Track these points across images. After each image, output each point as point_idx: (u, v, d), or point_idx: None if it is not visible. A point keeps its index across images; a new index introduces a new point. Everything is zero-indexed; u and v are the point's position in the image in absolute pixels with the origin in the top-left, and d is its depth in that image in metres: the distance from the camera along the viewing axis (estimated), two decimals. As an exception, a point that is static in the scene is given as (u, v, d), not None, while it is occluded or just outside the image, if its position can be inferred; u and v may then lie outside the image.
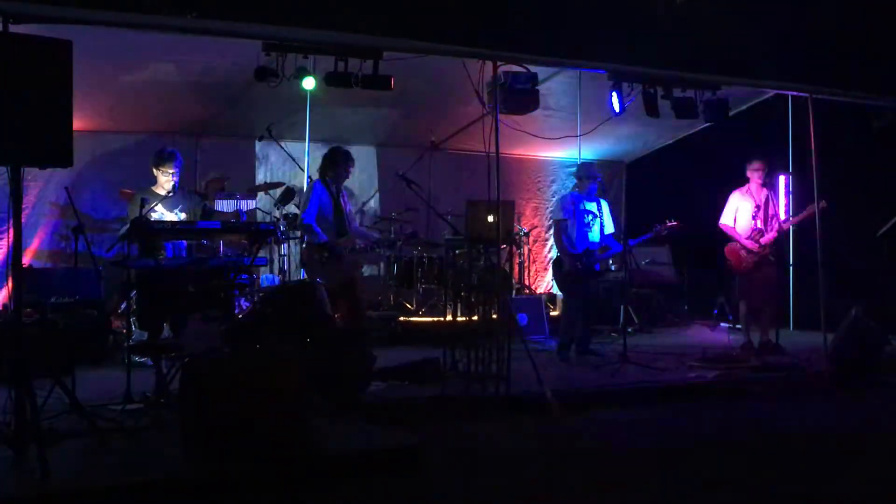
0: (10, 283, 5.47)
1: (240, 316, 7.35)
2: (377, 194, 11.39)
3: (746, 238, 8.93)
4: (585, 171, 8.86)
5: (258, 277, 9.01)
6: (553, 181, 12.50)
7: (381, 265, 10.67)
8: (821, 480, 5.27)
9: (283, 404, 5.07)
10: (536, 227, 12.25)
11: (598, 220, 8.59)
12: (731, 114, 9.38)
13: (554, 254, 12.18)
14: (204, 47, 7.83)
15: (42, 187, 9.37)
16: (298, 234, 8.87)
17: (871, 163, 10.80)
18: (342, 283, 7.52)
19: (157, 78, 8.51)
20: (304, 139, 9.36)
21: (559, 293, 11.53)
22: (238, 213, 8.84)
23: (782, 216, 8.89)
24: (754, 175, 9.01)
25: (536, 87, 7.93)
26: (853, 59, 11.44)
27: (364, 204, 11.29)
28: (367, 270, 10.73)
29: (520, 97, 7.79)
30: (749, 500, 4.92)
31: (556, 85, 9.30)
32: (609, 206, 8.91)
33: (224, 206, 8.84)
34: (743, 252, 8.96)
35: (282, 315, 6.53)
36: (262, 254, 6.98)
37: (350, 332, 7.47)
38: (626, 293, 10.10)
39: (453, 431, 6.16)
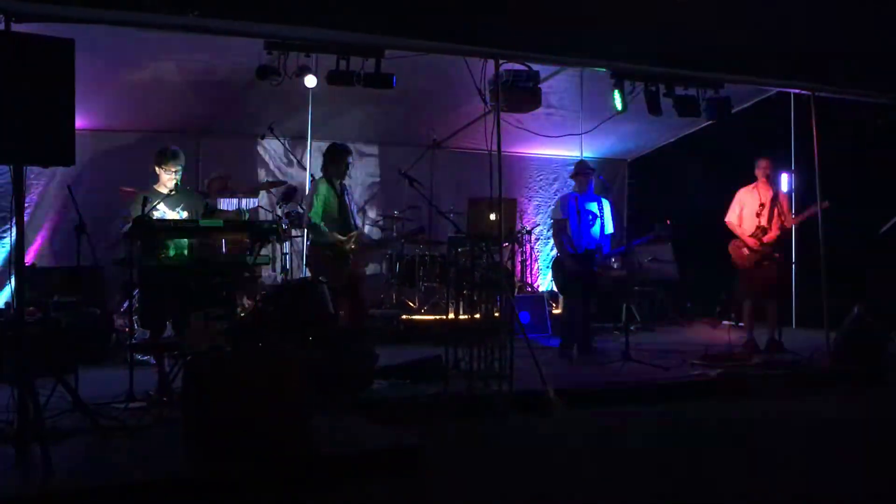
0: (12, 282, 5.46)
1: (242, 315, 7.35)
2: (379, 193, 11.39)
3: (749, 235, 8.92)
4: (581, 167, 8.83)
5: (260, 276, 9.02)
6: (555, 179, 12.50)
7: (384, 264, 10.67)
8: (824, 478, 5.26)
9: (284, 403, 5.07)
10: (538, 225, 12.24)
11: (598, 220, 8.58)
12: (733, 112, 9.36)
13: (556, 252, 12.22)
14: (206, 46, 7.83)
15: (44, 186, 9.38)
16: (301, 232, 8.87)
17: (873, 161, 10.79)
18: (346, 282, 7.51)
19: (159, 77, 8.51)
20: (307, 138, 9.36)
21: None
22: (240, 211, 8.84)
23: (779, 218, 8.86)
24: (760, 173, 9.00)
25: (538, 85, 7.92)
26: (856, 57, 11.42)
27: (366, 202, 11.28)
28: (369, 269, 10.73)
29: (522, 95, 7.78)
30: (752, 498, 4.91)
31: (558, 83, 9.29)
32: (611, 205, 8.88)
33: (226, 204, 8.85)
34: (745, 249, 8.95)
35: (284, 314, 6.53)
36: (264, 252, 6.98)
37: (352, 331, 7.47)
38: (629, 291, 10.10)
39: (455, 430, 6.17)
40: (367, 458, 5.16)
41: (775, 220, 8.85)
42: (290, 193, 9.03)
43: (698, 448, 5.99)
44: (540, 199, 12.45)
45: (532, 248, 11.89)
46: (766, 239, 8.86)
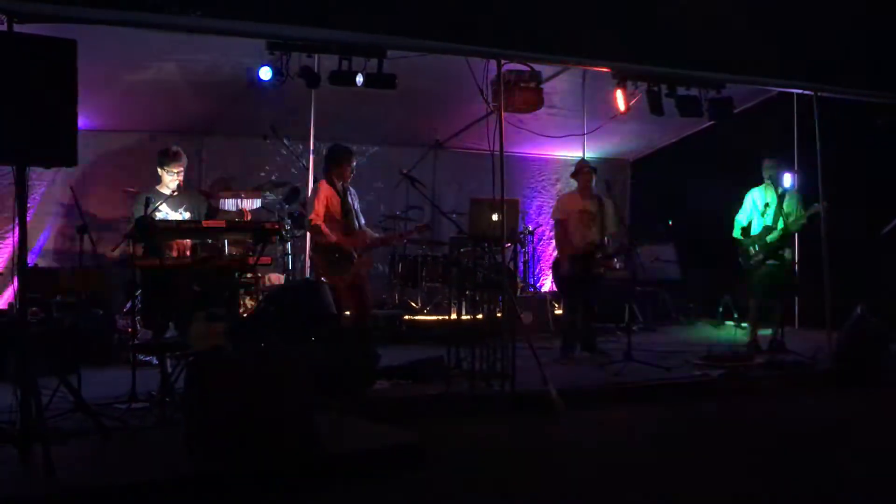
0: (15, 283, 5.47)
1: (244, 315, 7.35)
2: (381, 193, 11.38)
3: (755, 235, 8.91)
4: (581, 165, 8.80)
5: (263, 276, 9.02)
6: (557, 179, 12.49)
7: (386, 265, 10.67)
8: (827, 478, 5.26)
9: (287, 403, 5.08)
10: (541, 225, 12.24)
11: (597, 219, 8.54)
12: (735, 112, 9.36)
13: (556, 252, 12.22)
14: (208, 46, 7.83)
15: (47, 186, 9.38)
16: (304, 233, 8.87)
17: (876, 161, 10.78)
18: (349, 282, 7.51)
19: (162, 77, 8.52)
20: (309, 138, 9.36)
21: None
22: (242, 212, 8.84)
23: (794, 214, 8.85)
24: (765, 173, 9.00)
25: (541, 86, 7.93)
26: (858, 57, 11.43)
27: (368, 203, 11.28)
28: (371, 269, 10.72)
29: (524, 95, 7.80)
30: (754, 498, 4.91)
31: (560, 83, 9.29)
32: (612, 205, 8.84)
33: (228, 205, 8.85)
34: (751, 249, 8.95)
35: (286, 314, 6.53)
36: (267, 253, 6.98)
37: (354, 331, 7.48)
38: (631, 291, 10.08)
39: (457, 430, 6.16)
40: (370, 458, 5.16)
41: (781, 219, 8.83)
42: (292, 194, 9.03)
43: (700, 448, 5.98)
44: (542, 200, 12.44)
45: (534, 249, 11.88)
46: (769, 239, 8.84)
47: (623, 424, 6.62)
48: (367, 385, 6.77)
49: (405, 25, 10.39)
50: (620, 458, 5.69)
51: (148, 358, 7.16)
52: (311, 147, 9.37)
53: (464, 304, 7.57)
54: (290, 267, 9.46)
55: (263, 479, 4.76)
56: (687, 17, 12.84)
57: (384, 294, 10.46)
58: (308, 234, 8.15)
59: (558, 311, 10.72)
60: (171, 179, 7.35)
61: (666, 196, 12.42)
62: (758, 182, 9.09)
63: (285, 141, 9.54)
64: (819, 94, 8.80)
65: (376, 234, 8.87)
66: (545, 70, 8.22)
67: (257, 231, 6.84)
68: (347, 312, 7.65)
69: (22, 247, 5.10)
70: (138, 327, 6.84)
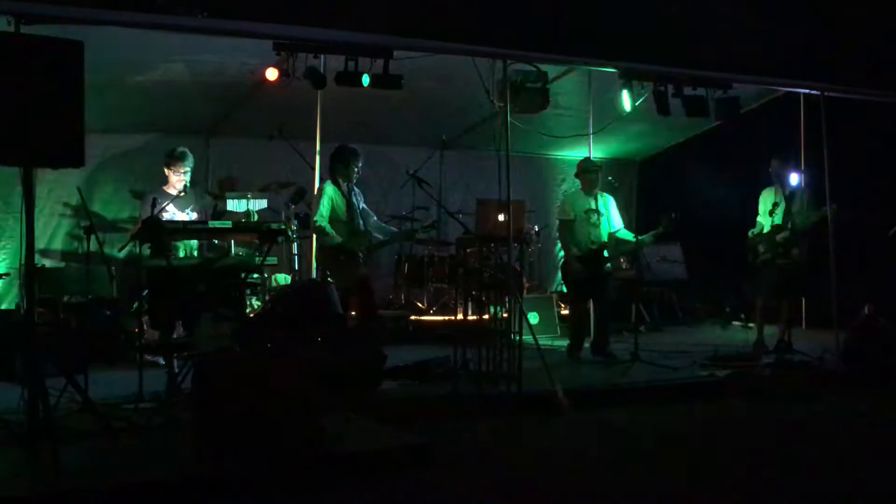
0: (23, 283, 5.49)
1: (251, 315, 7.36)
2: (387, 193, 11.39)
3: (764, 234, 8.90)
4: (585, 164, 8.76)
5: (269, 277, 9.03)
6: (564, 180, 12.47)
7: (392, 264, 10.67)
8: (833, 478, 5.25)
9: (294, 403, 5.09)
10: (547, 225, 12.22)
11: (603, 218, 8.51)
12: (742, 112, 9.34)
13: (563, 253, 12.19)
14: (214, 47, 7.84)
15: (54, 187, 9.39)
16: (309, 233, 8.87)
17: (883, 160, 10.75)
18: (356, 283, 7.52)
19: (168, 78, 8.53)
20: (315, 138, 9.37)
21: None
22: (249, 212, 8.85)
23: (803, 214, 8.83)
24: (773, 173, 8.98)
25: (547, 86, 7.92)
26: (865, 56, 11.39)
27: (374, 204, 11.28)
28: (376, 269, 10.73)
29: (530, 96, 7.77)
30: (761, 498, 4.90)
31: (566, 84, 9.27)
32: (614, 202, 8.82)
33: (235, 205, 8.86)
34: (759, 248, 8.94)
35: (293, 314, 6.53)
36: (273, 253, 6.99)
37: (361, 331, 7.48)
38: (638, 291, 10.07)
39: (464, 430, 6.16)
40: (377, 458, 5.17)
41: (789, 219, 8.81)
42: (299, 194, 9.03)
43: (707, 449, 5.98)
44: (548, 200, 12.42)
45: (540, 249, 11.86)
46: (778, 238, 8.82)
47: (630, 425, 6.61)
48: (374, 385, 6.77)
49: (411, 26, 10.39)
50: (627, 459, 5.69)
51: (155, 358, 7.17)
52: (318, 148, 9.37)
53: (470, 304, 7.57)
54: (297, 267, 9.46)
55: (270, 479, 4.76)
56: (693, 16, 12.83)
57: (391, 294, 10.46)
58: (314, 234, 8.15)
59: (565, 312, 10.71)
60: (177, 180, 7.38)
61: (672, 196, 12.38)
62: (765, 182, 9.07)
63: (291, 142, 9.53)
64: (826, 93, 8.77)
65: (393, 229, 8.86)
66: (551, 70, 8.20)
67: (263, 231, 6.85)
68: (353, 313, 7.65)
69: (29, 247, 5.11)
70: (145, 327, 6.85)
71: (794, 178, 9.09)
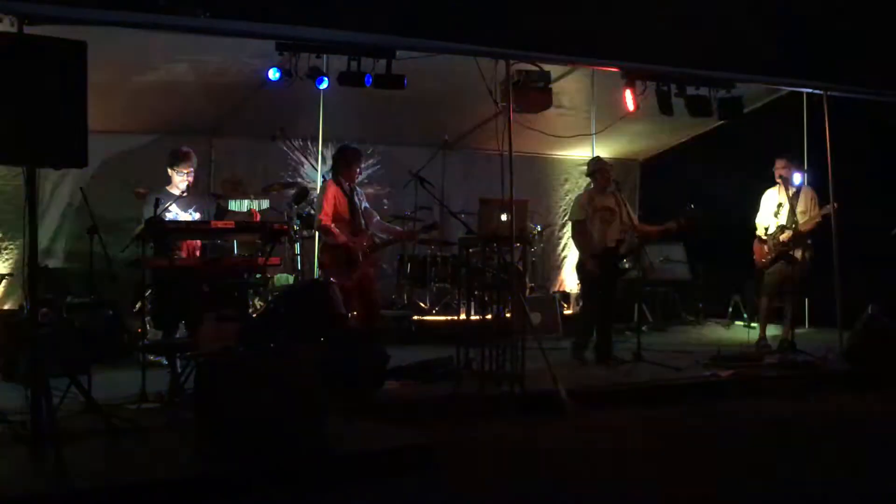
0: (26, 283, 5.49)
1: (254, 315, 7.36)
2: (390, 193, 11.39)
3: (768, 235, 8.89)
4: (597, 164, 8.70)
5: (272, 277, 9.03)
6: (566, 180, 12.47)
7: (395, 264, 10.67)
8: (838, 479, 5.24)
9: (297, 403, 5.08)
10: (550, 225, 12.22)
11: (616, 215, 8.46)
12: (745, 111, 9.34)
13: (567, 252, 12.19)
14: (217, 47, 7.85)
15: (57, 188, 9.41)
16: (313, 233, 8.88)
17: (886, 160, 10.75)
18: (358, 283, 7.52)
19: (171, 78, 8.54)
20: (318, 138, 9.38)
21: (572, 292, 11.53)
22: (251, 212, 8.85)
23: (803, 215, 8.83)
24: (776, 173, 8.97)
25: (549, 86, 7.92)
26: (868, 56, 11.39)
27: (376, 204, 11.28)
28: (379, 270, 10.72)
29: (533, 95, 7.77)
30: (765, 499, 4.90)
31: (569, 83, 9.27)
32: (624, 200, 8.78)
33: (238, 205, 8.87)
34: (764, 248, 8.93)
35: (296, 314, 6.53)
36: (276, 253, 6.99)
37: (364, 331, 7.48)
38: (641, 291, 10.06)
39: (467, 431, 6.16)
40: (380, 459, 5.16)
41: (793, 219, 8.80)
42: (301, 194, 9.04)
43: (710, 449, 5.97)
44: (551, 200, 12.41)
45: (543, 249, 11.86)
46: (782, 238, 8.82)
47: (633, 425, 6.61)
48: (377, 385, 6.77)
49: (414, 26, 10.39)
50: (630, 459, 5.69)
51: (158, 358, 7.18)
52: (320, 147, 9.38)
53: (473, 304, 7.57)
54: (300, 267, 9.46)
55: (273, 480, 4.77)
56: (696, 16, 12.82)
57: (393, 294, 10.46)
58: (317, 234, 8.16)
59: (568, 311, 10.71)
60: (180, 180, 7.38)
61: (676, 196, 12.38)
62: (768, 182, 9.07)
63: (294, 141, 9.55)
64: (829, 92, 8.77)
65: (397, 228, 8.84)
66: (554, 70, 8.20)
67: (266, 232, 6.86)
68: (355, 313, 7.65)
69: (32, 248, 5.12)
70: (148, 328, 6.85)
71: (798, 178, 9.09)
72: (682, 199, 9.05)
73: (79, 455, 4.85)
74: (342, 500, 4.78)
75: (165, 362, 6.74)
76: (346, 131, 9.72)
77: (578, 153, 11.98)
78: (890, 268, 9.76)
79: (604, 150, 11.38)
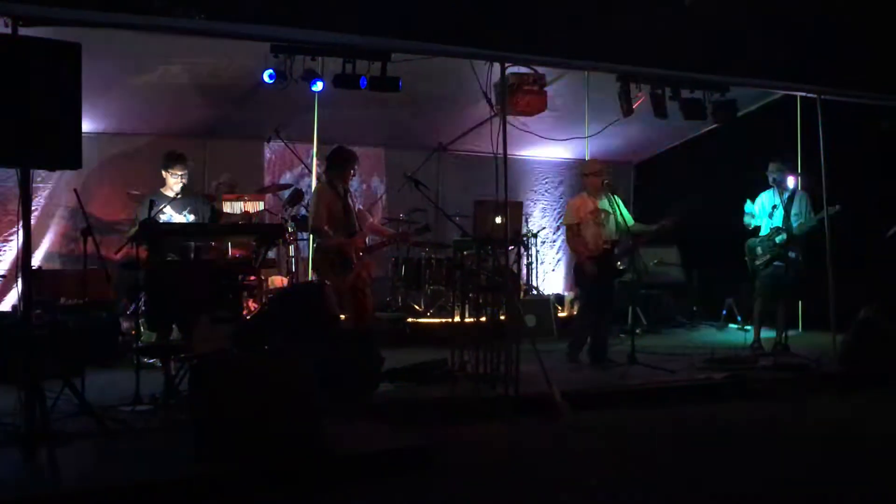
0: (20, 285, 5.48)
1: (248, 317, 7.36)
2: (385, 195, 11.40)
3: (763, 236, 8.91)
4: (591, 167, 8.66)
5: (266, 279, 9.02)
6: (561, 182, 12.49)
7: (390, 266, 10.68)
8: (832, 481, 5.25)
9: (292, 405, 5.08)
10: (544, 228, 12.24)
11: (611, 216, 8.45)
12: (739, 115, 9.36)
13: (562, 255, 12.20)
14: (212, 49, 7.85)
15: (51, 189, 9.40)
16: (307, 235, 8.88)
17: (880, 163, 10.78)
18: (352, 285, 7.52)
19: (166, 80, 8.53)
20: (313, 140, 9.38)
21: (567, 294, 11.54)
22: (246, 214, 8.85)
23: (802, 216, 8.86)
24: (770, 176, 8.99)
25: (544, 89, 7.93)
26: (862, 60, 11.42)
27: (372, 205, 11.29)
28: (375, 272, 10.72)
29: (527, 98, 7.79)
30: (760, 501, 4.91)
31: (563, 86, 9.28)
32: (620, 200, 8.77)
33: (232, 207, 8.86)
34: (757, 250, 8.94)
35: (290, 316, 6.53)
36: (270, 255, 6.99)
37: (358, 334, 7.48)
38: (635, 294, 10.07)
39: (462, 432, 6.16)
40: (375, 460, 5.16)
41: (788, 221, 8.82)
42: (296, 196, 9.04)
43: (705, 451, 5.98)
44: (546, 202, 12.44)
45: (538, 251, 11.88)
46: (777, 240, 8.83)
47: (627, 427, 6.61)
48: (372, 387, 6.77)
49: (409, 28, 10.40)
50: (625, 461, 5.69)
51: (152, 360, 7.17)
52: (315, 150, 9.38)
53: (467, 306, 7.57)
54: (294, 269, 9.46)
55: (268, 481, 4.76)
56: (690, 20, 12.85)
57: (388, 296, 10.46)
58: (311, 236, 8.15)
59: (562, 314, 10.72)
60: (175, 182, 7.37)
61: (670, 199, 12.40)
62: (763, 185, 9.09)
63: (289, 144, 9.54)
64: (823, 96, 8.79)
65: (390, 230, 8.84)
66: (549, 73, 8.21)
67: (261, 234, 6.85)
68: (349, 315, 7.65)
69: (26, 249, 5.11)
70: (142, 330, 6.84)
71: (791, 181, 9.11)
72: (676, 201, 9.09)
73: (72, 457, 4.86)
74: (339, 501, 4.78)
75: (159, 364, 6.74)
76: (340, 133, 9.72)
77: (573, 156, 12.00)
78: (884, 270, 9.79)
79: (598, 152, 11.40)
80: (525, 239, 11.07)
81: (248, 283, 7.29)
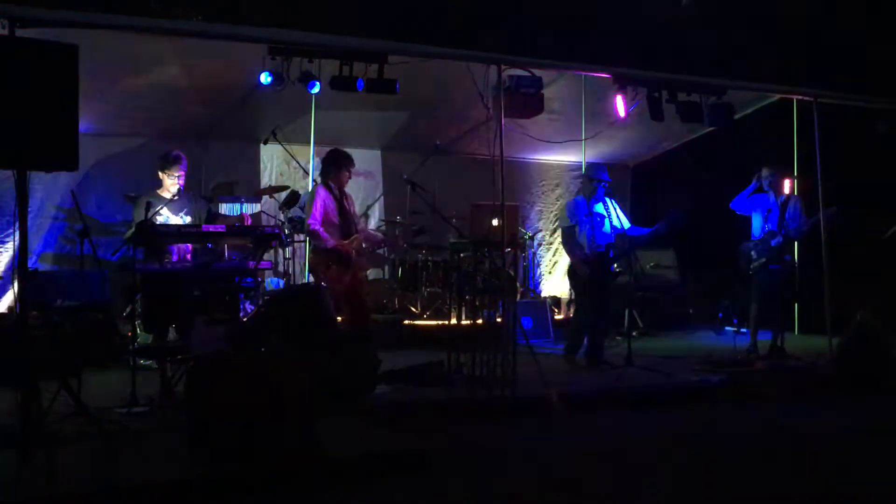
0: (16, 286, 5.48)
1: (245, 319, 7.36)
2: (382, 198, 11.41)
3: (758, 239, 8.92)
4: (595, 172, 8.55)
5: (263, 281, 9.03)
6: (557, 185, 12.50)
7: (386, 268, 10.68)
8: (828, 484, 5.26)
9: (288, 407, 5.08)
10: (541, 230, 12.25)
11: (607, 220, 8.44)
12: (736, 117, 9.37)
13: (558, 257, 12.21)
14: (209, 51, 7.85)
15: (48, 191, 9.39)
16: (303, 237, 8.88)
17: (876, 166, 10.80)
18: (348, 287, 7.52)
19: (163, 81, 8.54)
20: (310, 142, 9.38)
21: (563, 297, 11.55)
22: (242, 216, 8.85)
23: (797, 220, 8.87)
24: (765, 181, 9.00)
25: (541, 91, 7.94)
26: (858, 62, 11.44)
27: (369, 208, 11.30)
28: (371, 274, 10.73)
29: (524, 101, 7.80)
30: (759, 499, 4.92)
31: (560, 88, 9.30)
32: (617, 204, 8.77)
33: (229, 209, 8.87)
34: (752, 253, 8.96)
35: (286, 318, 6.53)
36: (266, 257, 6.99)
37: (355, 336, 7.48)
38: (631, 297, 10.07)
39: (458, 434, 6.16)
40: (372, 462, 5.16)
41: (784, 224, 8.83)
42: (292, 198, 9.05)
43: (700, 453, 5.98)
44: (542, 205, 12.45)
45: (534, 254, 11.89)
46: (774, 243, 8.84)
47: (624, 430, 6.61)
48: (369, 389, 6.77)
49: (406, 31, 10.41)
50: (621, 464, 5.69)
51: (148, 362, 7.16)
52: (312, 152, 9.39)
53: (464, 308, 7.57)
54: (290, 271, 9.47)
55: (265, 483, 4.76)
56: (687, 22, 12.87)
57: (384, 299, 10.46)
58: (307, 238, 8.15)
59: (559, 316, 10.72)
60: (171, 183, 7.37)
61: (666, 201, 12.42)
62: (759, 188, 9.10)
63: (286, 146, 9.55)
64: (819, 99, 8.81)
65: (377, 235, 8.86)
66: (545, 75, 8.22)
67: (257, 235, 6.85)
68: (345, 317, 7.65)
69: (23, 251, 5.10)
70: (139, 331, 6.84)
71: (787, 185, 9.12)
72: (672, 204, 9.10)
73: (69, 458, 4.85)
74: (335, 503, 4.77)
75: (156, 366, 6.73)
76: (337, 135, 9.73)
77: (570, 158, 12.02)
78: (880, 273, 9.81)
79: (595, 155, 11.43)
80: (521, 241, 11.07)
81: (245, 285, 7.29)
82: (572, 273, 8.50)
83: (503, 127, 7.29)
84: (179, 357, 6.25)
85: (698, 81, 8.79)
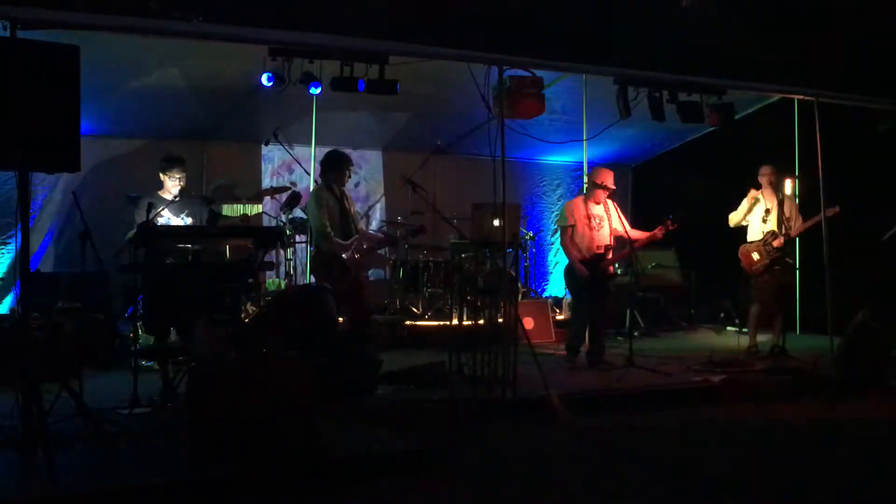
0: (18, 288, 5.49)
1: (246, 320, 7.36)
2: (383, 198, 11.41)
3: (758, 241, 8.92)
4: (599, 176, 8.49)
5: (264, 282, 9.03)
6: (559, 185, 12.51)
7: (387, 269, 10.68)
8: (826, 483, 5.26)
9: (290, 408, 5.09)
10: (542, 230, 12.25)
11: (606, 221, 8.45)
12: (737, 117, 9.37)
13: (559, 258, 12.21)
14: (210, 52, 7.85)
15: (49, 192, 9.40)
16: (304, 238, 8.88)
17: (877, 166, 10.79)
18: (350, 288, 7.52)
19: (164, 83, 8.54)
20: (311, 143, 9.38)
21: (564, 297, 11.54)
22: (244, 217, 8.86)
23: (796, 220, 8.87)
24: (764, 181, 8.99)
25: (542, 92, 7.93)
26: (859, 62, 11.43)
27: (370, 208, 11.31)
28: (372, 274, 10.73)
29: (525, 101, 7.79)
30: (757, 502, 4.93)
31: (561, 89, 9.30)
32: (616, 206, 8.78)
33: (230, 210, 8.87)
34: (754, 254, 8.95)
35: (288, 319, 6.54)
36: (268, 258, 6.99)
37: (356, 337, 7.48)
38: (632, 297, 10.07)
39: (459, 435, 6.17)
40: (373, 463, 5.17)
41: (784, 224, 8.83)
42: (293, 199, 9.05)
43: (701, 454, 5.99)
44: (543, 205, 12.46)
45: (535, 254, 11.89)
46: (775, 244, 8.84)
47: (624, 430, 6.62)
48: (370, 390, 6.77)
49: (407, 31, 10.41)
50: (622, 464, 5.70)
51: (150, 363, 7.17)
52: (313, 152, 9.39)
53: (465, 309, 7.58)
54: (292, 272, 9.47)
55: (266, 485, 4.76)
56: (688, 22, 12.86)
57: (385, 299, 10.46)
58: (306, 238, 8.15)
59: (560, 317, 10.71)
60: (173, 185, 7.38)
61: (668, 201, 12.41)
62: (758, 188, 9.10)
63: (287, 146, 9.55)
64: (820, 99, 8.80)
65: (379, 234, 8.85)
66: (547, 76, 8.22)
67: (259, 236, 6.86)
68: (346, 318, 7.65)
69: (24, 252, 5.11)
70: (140, 332, 6.84)
71: (788, 186, 9.12)
72: (674, 204, 9.11)
73: (70, 460, 4.85)
74: (337, 503, 4.78)
75: (157, 367, 6.74)
76: (338, 136, 9.74)
77: (571, 159, 12.02)
78: (881, 273, 9.81)
79: (596, 155, 11.43)
80: (522, 241, 11.07)
81: (247, 286, 7.29)
82: (569, 273, 8.51)
83: (504, 127, 7.29)
84: (181, 358, 6.25)
85: (699, 81, 8.79)
